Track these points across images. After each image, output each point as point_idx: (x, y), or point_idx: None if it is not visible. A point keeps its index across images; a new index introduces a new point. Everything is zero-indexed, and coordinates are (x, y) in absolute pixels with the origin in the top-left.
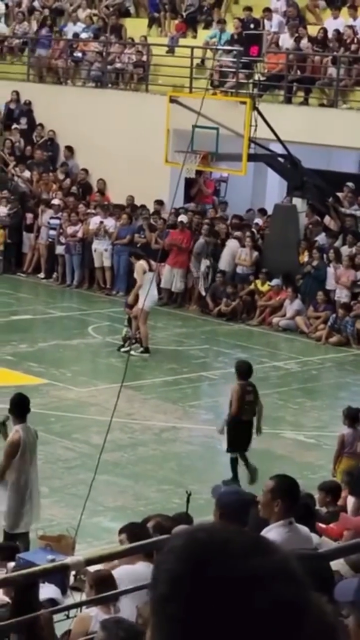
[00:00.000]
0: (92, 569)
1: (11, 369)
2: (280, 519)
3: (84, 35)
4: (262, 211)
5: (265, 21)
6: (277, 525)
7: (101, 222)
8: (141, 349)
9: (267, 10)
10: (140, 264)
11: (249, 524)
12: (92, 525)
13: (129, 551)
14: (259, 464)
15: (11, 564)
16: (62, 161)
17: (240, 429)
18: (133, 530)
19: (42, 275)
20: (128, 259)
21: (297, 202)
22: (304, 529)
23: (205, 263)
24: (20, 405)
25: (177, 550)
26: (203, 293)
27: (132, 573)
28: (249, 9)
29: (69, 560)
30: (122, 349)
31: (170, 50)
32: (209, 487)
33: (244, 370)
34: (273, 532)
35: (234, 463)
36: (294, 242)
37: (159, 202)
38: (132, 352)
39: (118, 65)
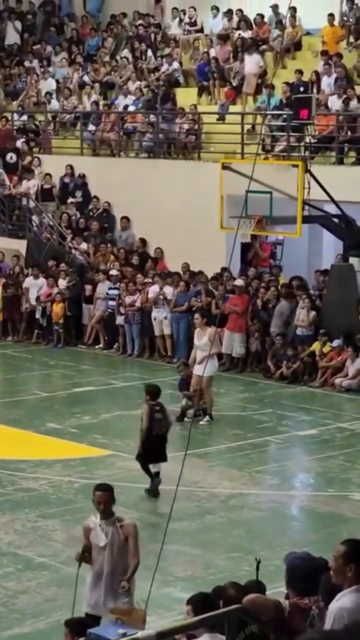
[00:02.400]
0: None
1: (76, 442)
2: (353, 584)
3: (133, 108)
4: (324, 272)
5: (323, 79)
6: (350, 591)
7: (160, 289)
8: (207, 417)
9: (317, 72)
10: (212, 332)
11: (320, 590)
12: (163, 596)
13: (200, 623)
14: (327, 527)
15: None
16: (118, 232)
17: (153, 443)
18: (198, 602)
19: (100, 345)
20: (187, 325)
21: (354, 261)
22: None
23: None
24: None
25: None
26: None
27: None
28: (299, 72)
29: (140, 634)
30: (185, 419)
31: (221, 118)
32: (278, 553)
33: (153, 392)
34: (346, 599)
35: (146, 469)
36: (353, 302)
37: (224, 269)
38: (200, 423)
39: (169, 135)
